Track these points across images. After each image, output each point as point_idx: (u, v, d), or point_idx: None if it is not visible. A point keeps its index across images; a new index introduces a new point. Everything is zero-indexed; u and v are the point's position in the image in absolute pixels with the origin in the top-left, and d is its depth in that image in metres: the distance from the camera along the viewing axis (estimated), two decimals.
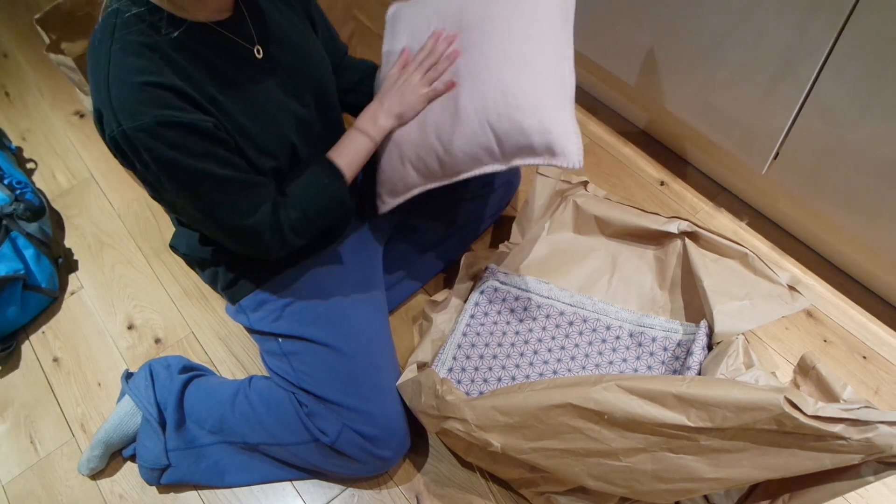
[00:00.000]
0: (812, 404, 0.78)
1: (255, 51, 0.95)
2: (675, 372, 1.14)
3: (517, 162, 1.00)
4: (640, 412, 0.85)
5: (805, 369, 1.04)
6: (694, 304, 1.25)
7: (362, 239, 1.24)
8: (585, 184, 1.41)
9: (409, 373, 1.09)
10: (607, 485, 0.92)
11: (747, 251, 1.23)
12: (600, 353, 1.19)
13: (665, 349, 1.18)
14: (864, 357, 1.26)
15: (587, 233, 1.38)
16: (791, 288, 1.19)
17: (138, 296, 1.47)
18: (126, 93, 0.81)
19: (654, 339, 1.19)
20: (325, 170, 1.02)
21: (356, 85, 1.20)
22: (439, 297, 1.31)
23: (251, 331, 1.16)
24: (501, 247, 1.32)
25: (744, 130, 1.31)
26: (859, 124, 1.11)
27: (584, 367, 1.18)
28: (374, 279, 1.22)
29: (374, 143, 1.07)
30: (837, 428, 0.78)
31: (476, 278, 1.34)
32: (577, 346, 1.20)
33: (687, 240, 1.28)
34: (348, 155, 1.05)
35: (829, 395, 0.98)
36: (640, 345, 1.19)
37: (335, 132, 1.12)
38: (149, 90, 0.82)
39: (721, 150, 1.42)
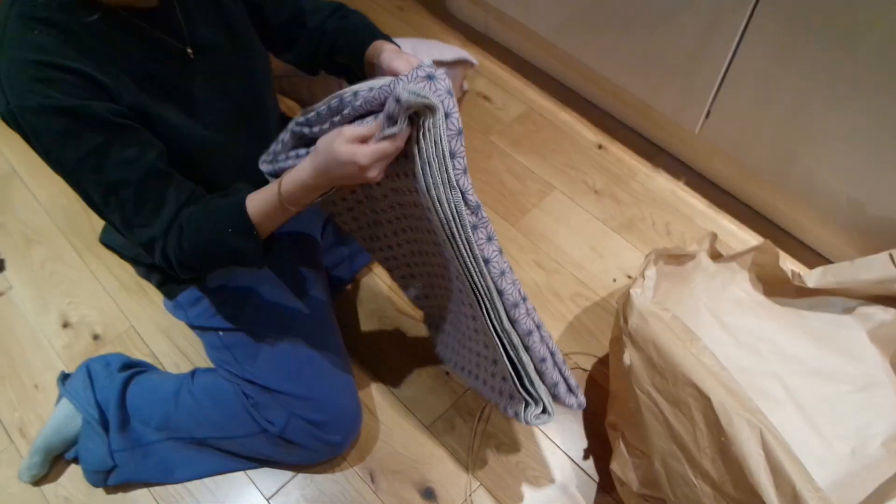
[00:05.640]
0: None
1: (187, 51, 0.86)
2: None
3: None
4: None
5: None
6: None
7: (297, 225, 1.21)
8: None
9: None
10: None
11: None
12: None
13: None
14: None
15: None
16: None
17: (72, 292, 1.42)
18: (17, 68, 0.74)
19: None
20: (233, 220, 0.82)
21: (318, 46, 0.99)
22: None
23: (191, 326, 1.13)
24: None
25: (676, 92, 1.32)
26: (783, 82, 1.12)
27: None
28: (313, 261, 1.20)
29: (287, 213, 0.81)
30: None
31: None
32: None
33: None
34: (262, 214, 0.82)
35: None
36: None
37: (270, 120, 1.03)
38: (44, 70, 0.74)
39: (656, 112, 1.43)
